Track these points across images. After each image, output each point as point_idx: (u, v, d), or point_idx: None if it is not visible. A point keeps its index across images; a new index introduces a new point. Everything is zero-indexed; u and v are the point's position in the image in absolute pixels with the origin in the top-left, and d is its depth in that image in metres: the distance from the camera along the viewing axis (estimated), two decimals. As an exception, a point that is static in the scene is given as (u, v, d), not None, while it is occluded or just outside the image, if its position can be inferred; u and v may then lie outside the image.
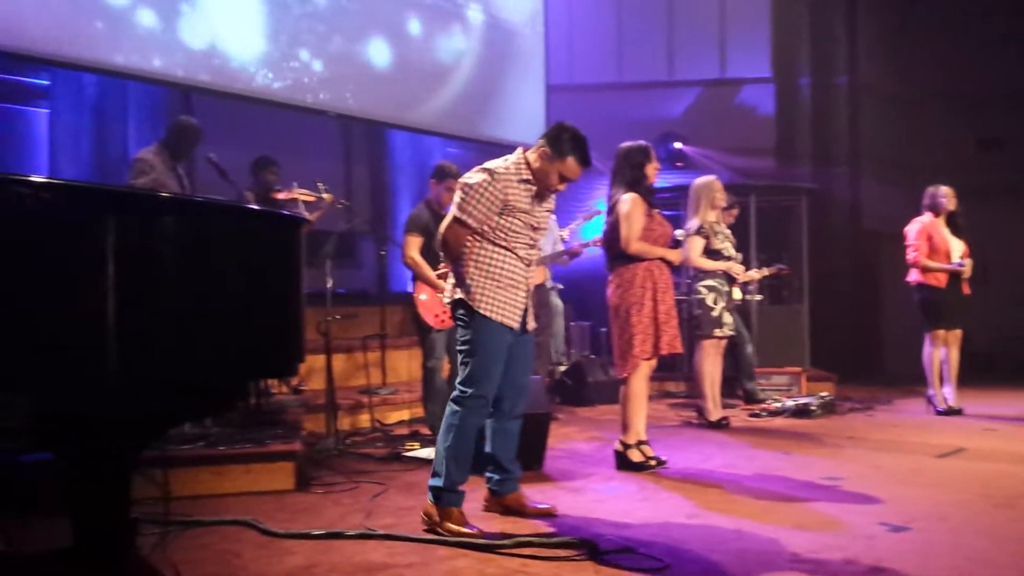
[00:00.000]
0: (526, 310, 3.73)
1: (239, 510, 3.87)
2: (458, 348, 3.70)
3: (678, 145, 10.50)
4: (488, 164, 3.67)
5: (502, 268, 3.63)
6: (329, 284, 5.72)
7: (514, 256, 3.66)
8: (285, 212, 2.61)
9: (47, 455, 2.46)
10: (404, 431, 5.93)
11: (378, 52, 8.27)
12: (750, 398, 7.31)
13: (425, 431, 5.67)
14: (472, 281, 3.61)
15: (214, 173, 5.34)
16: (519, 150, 3.76)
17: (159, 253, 1.96)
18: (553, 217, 6.84)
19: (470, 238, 3.64)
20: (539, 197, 3.72)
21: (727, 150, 10.61)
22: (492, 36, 9.46)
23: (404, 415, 6.54)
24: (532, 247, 3.74)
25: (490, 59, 9.44)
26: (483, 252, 3.63)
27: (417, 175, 9.68)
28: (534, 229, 3.72)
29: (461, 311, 3.65)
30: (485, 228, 3.62)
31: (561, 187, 3.73)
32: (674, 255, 4.80)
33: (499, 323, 3.60)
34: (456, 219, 3.61)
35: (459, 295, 3.64)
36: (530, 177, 3.67)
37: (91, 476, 2.03)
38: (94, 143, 6.98)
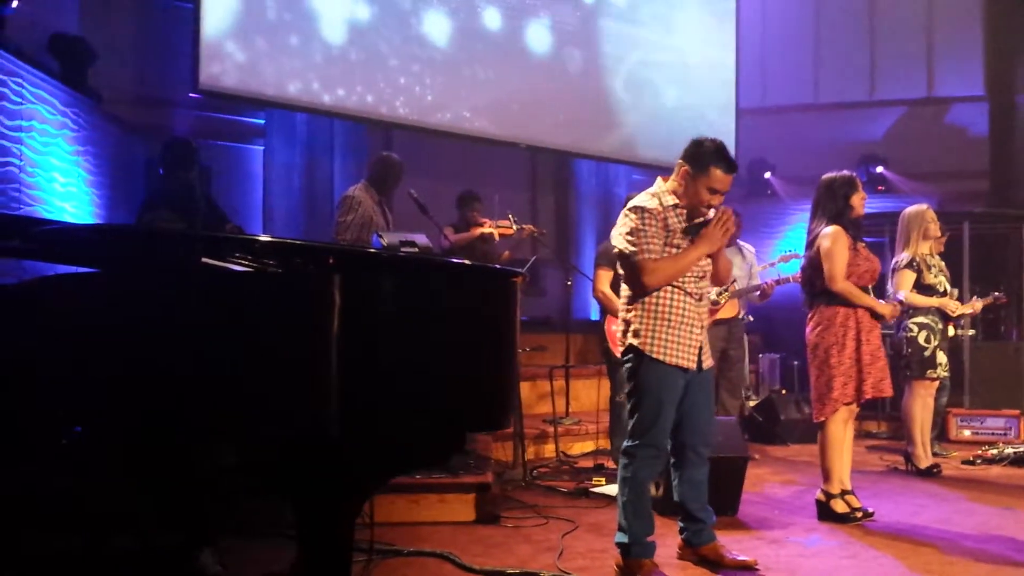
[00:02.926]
0: (701, 348, 3.56)
1: (434, 540, 3.95)
2: (626, 394, 3.59)
3: (879, 169, 9.93)
4: (634, 203, 3.56)
5: (671, 307, 3.48)
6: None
7: (683, 292, 3.50)
8: (501, 267, 2.65)
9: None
10: (588, 463, 5.88)
11: (568, 82, 8.36)
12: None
13: (611, 464, 5.60)
14: (641, 325, 3.48)
15: (413, 207, 5.53)
16: (658, 179, 3.64)
17: (380, 310, 2.02)
18: (753, 250, 6.62)
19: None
20: (691, 218, 3.55)
21: (934, 173, 9.93)
22: (681, 60, 9.36)
23: (588, 446, 6.49)
24: (701, 278, 3.58)
25: (678, 83, 9.33)
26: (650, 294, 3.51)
27: (601, 204, 9.69)
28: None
29: (630, 356, 3.53)
30: None
31: (714, 201, 3.52)
32: (885, 309, 4.45)
33: (673, 366, 3.45)
34: (641, 262, 3.44)
35: (630, 340, 3.51)
36: (678, 201, 3.53)
37: (311, 520, 2.11)
38: (304, 177, 7.49)
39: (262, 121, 7.51)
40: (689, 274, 3.51)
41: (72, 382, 2.21)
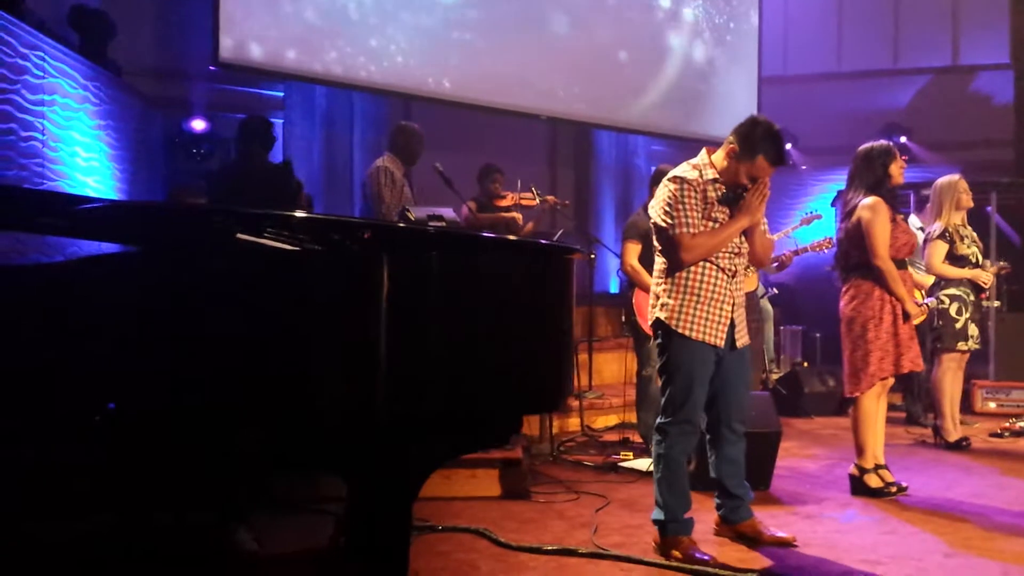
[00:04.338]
0: (733, 325, 3.49)
1: (466, 516, 3.93)
2: (657, 371, 3.55)
3: (903, 139, 9.79)
4: (674, 173, 3.48)
5: (701, 282, 3.40)
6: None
7: (715, 267, 3.42)
8: (552, 243, 2.59)
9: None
10: (614, 437, 5.86)
11: (588, 52, 8.25)
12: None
13: (636, 439, 5.59)
14: (671, 299, 3.41)
15: (435, 181, 5.45)
16: (703, 151, 3.55)
17: (430, 289, 1.97)
18: (765, 222, 6.53)
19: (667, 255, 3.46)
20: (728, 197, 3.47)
21: (958, 143, 9.78)
22: (703, 29, 9.24)
23: (612, 420, 6.47)
24: (737, 255, 3.49)
25: (700, 53, 9.21)
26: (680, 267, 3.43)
27: (621, 176, 9.62)
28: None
29: (660, 331, 3.47)
30: None
31: (749, 184, 3.44)
32: (913, 310, 4.32)
33: (700, 342, 3.38)
34: (678, 236, 3.35)
35: (658, 315, 3.45)
36: (718, 176, 3.45)
37: (361, 501, 2.08)
38: (323, 150, 7.44)
39: (281, 94, 7.44)
40: (724, 249, 3.43)
41: (110, 362, 2.17)
